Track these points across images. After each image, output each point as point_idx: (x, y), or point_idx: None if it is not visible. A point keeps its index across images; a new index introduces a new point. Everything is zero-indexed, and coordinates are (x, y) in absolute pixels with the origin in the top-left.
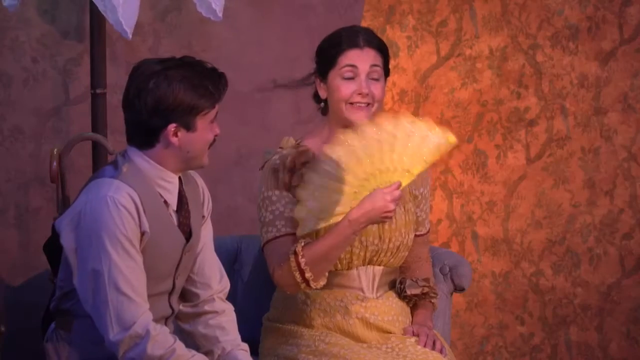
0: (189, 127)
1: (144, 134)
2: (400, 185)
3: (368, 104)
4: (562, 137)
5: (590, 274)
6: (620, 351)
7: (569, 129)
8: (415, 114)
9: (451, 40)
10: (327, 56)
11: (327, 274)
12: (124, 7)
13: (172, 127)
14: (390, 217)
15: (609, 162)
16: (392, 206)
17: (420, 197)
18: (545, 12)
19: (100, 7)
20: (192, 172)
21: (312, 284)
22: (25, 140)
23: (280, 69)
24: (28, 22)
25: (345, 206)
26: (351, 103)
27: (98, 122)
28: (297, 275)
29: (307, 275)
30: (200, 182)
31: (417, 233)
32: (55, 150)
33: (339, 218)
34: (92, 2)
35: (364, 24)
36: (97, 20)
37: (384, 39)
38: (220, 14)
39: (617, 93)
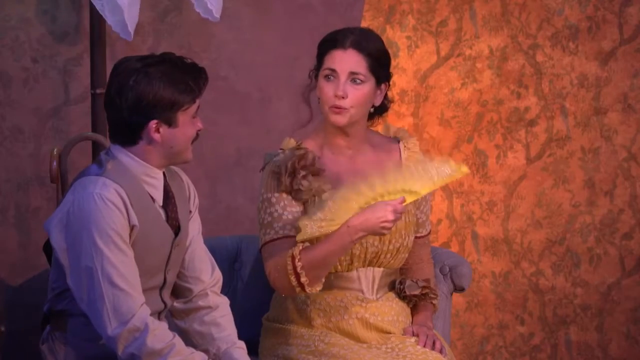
0: (170, 122)
1: (127, 131)
2: (404, 200)
3: (344, 108)
4: (562, 137)
5: (590, 274)
6: (620, 351)
7: (569, 129)
8: (416, 114)
9: (451, 40)
10: (317, 55)
11: (323, 279)
12: (129, 9)
13: (153, 123)
14: (389, 229)
15: (609, 162)
16: (391, 216)
17: (420, 198)
18: (545, 12)
19: (98, 7)
20: (176, 168)
21: (307, 289)
22: (25, 140)
23: (280, 69)
24: (28, 22)
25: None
26: (331, 106)
27: (98, 122)
28: (293, 278)
29: (303, 279)
30: (185, 177)
31: (418, 235)
32: (55, 150)
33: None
34: (92, 2)
35: (364, 24)
36: (97, 20)
37: (384, 39)
38: (217, 15)
39: (617, 93)
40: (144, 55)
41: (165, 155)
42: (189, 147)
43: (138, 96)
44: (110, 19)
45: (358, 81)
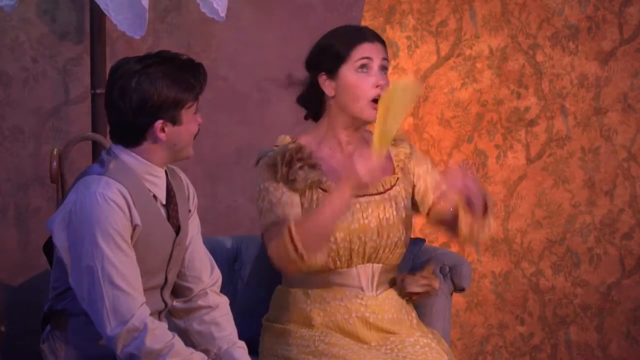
0: (175, 121)
1: (131, 132)
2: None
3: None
4: (562, 137)
5: (590, 274)
6: (620, 351)
7: (569, 129)
8: (416, 114)
9: (451, 40)
10: (337, 52)
11: (323, 250)
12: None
13: (159, 123)
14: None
15: (609, 162)
16: (365, 175)
17: (420, 177)
18: (545, 12)
19: (102, 6)
20: (175, 167)
21: (306, 257)
22: (25, 140)
23: (281, 68)
24: (28, 22)
25: None
26: (371, 99)
27: (98, 122)
28: (291, 249)
29: (300, 249)
30: (184, 177)
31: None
32: (55, 150)
33: None
34: (93, 2)
35: (363, 23)
36: (97, 20)
37: (384, 39)
38: (222, 14)
39: (617, 93)
40: (141, 56)
41: (169, 153)
42: (191, 143)
43: (142, 97)
44: (115, 18)
45: (387, 70)
